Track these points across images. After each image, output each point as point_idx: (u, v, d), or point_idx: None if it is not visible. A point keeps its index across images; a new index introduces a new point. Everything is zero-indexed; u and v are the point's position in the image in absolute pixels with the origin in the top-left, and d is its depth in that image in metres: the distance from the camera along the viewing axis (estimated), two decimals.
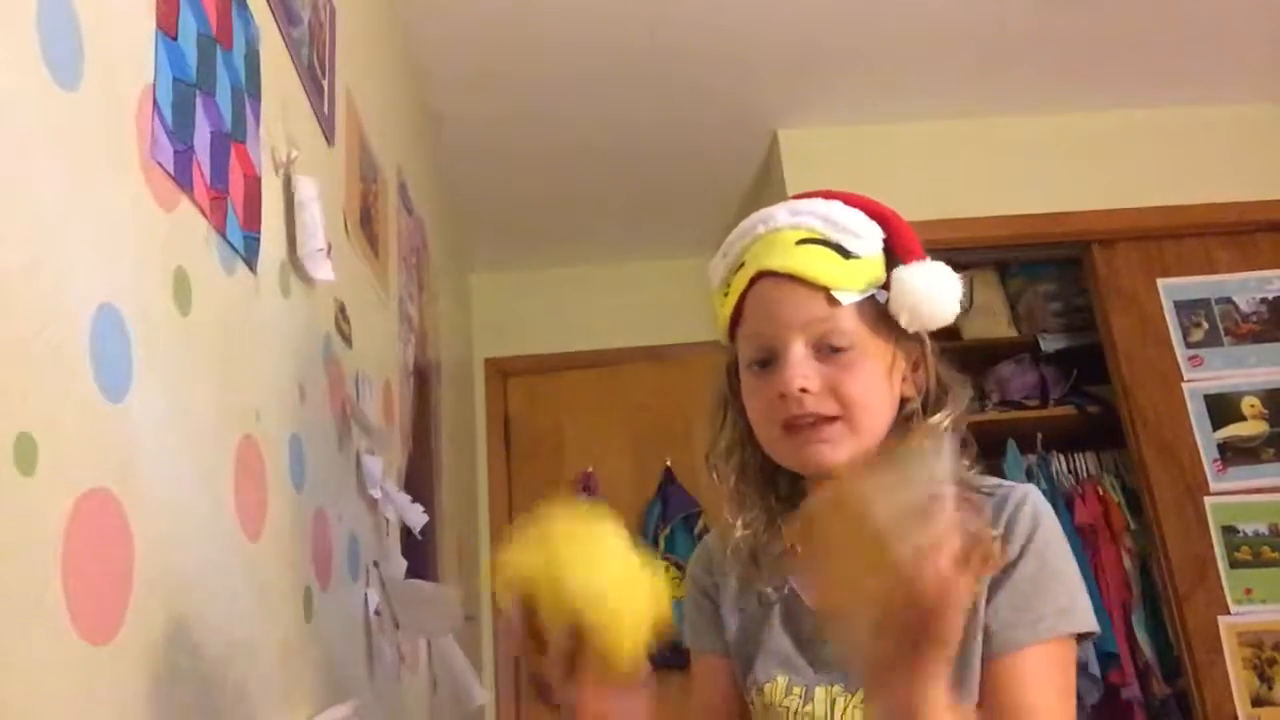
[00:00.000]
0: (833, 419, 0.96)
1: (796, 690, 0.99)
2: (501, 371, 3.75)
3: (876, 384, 0.98)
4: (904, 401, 1.01)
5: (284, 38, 1.31)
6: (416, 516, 1.72)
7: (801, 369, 0.96)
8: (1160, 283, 2.90)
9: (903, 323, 0.99)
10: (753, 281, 1.01)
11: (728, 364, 1.10)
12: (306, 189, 1.26)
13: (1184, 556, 2.64)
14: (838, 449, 0.96)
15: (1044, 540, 0.92)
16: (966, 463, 0.98)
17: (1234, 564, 2.65)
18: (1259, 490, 2.72)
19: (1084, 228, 2.92)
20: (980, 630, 0.90)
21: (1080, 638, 0.92)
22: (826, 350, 0.97)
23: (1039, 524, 0.92)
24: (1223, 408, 2.79)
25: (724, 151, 3.15)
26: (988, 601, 0.90)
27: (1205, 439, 2.75)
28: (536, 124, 2.92)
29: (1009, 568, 0.90)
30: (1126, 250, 2.92)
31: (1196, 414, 2.77)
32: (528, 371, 3.75)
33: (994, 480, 0.99)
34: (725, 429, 1.11)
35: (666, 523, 3.48)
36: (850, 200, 1.03)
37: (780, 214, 1.02)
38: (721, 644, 1.09)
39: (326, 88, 1.53)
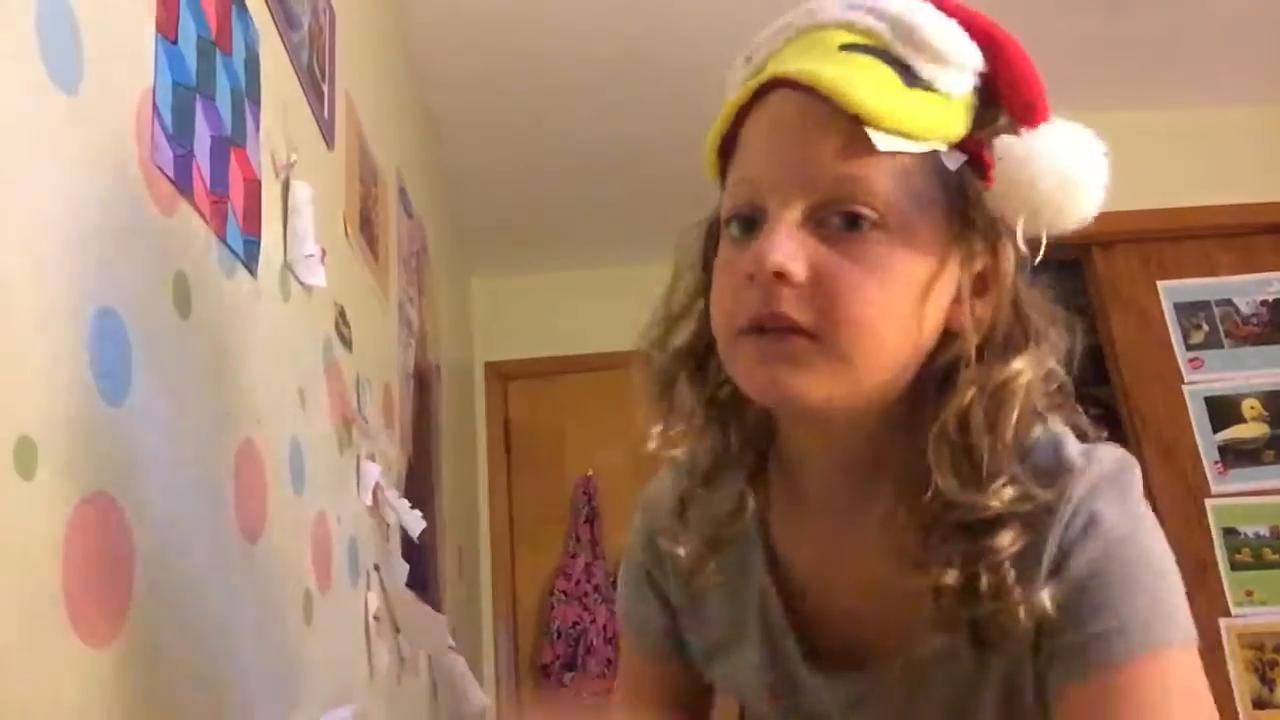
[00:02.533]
0: (803, 334, 0.62)
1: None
2: (502, 375, 3.75)
3: (903, 294, 0.62)
4: (949, 336, 0.66)
5: (284, 41, 1.31)
6: (415, 522, 1.72)
7: (785, 242, 0.62)
8: (1160, 285, 2.90)
9: (1011, 221, 0.64)
10: (760, 94, 0.66)
11: (708, 218, 0.79)
12: (300, 194, 1.26)
13: (1185, 558, 2.59)
14: (806, 376, 0.62)
15: (1111, 547, 0.65)
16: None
17: (1235, 566, 2.65)
18: (1260, 492, 2.72)
19: (1084, 230, 2.90)
20: (1041, 663, 0.65)
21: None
22: (838, 223, 0.62)
23: (1100, 528, 0.65)
24: (1223, 410, 2.79)
25: None
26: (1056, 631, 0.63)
27: (1206, 441, 2.75)
28: (537, 128, 2.92)
29: (1071, 590, 0.63)
30: (1126, 252, 2.92)
31: (1197, 416, 2.78)
32: (528, 375, 3.75)
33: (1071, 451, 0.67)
34: (690, 312, 0.76)
35: None
36: (947, 5, 0.66)
37: (832, 4, 0.68)
38: (673, 650, 0.82)
39: (326, 91, 1.53)
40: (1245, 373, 2.83)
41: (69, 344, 0.71)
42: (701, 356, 0.73)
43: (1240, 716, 2.53)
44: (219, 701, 0.92)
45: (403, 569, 1.69)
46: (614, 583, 3.44)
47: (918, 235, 0.62)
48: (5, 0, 0.66)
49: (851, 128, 0.61)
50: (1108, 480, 0.67)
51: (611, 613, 3.38)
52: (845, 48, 0.64)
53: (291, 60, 1.34)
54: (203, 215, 0.97)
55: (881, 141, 0.60)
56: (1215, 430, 2.77)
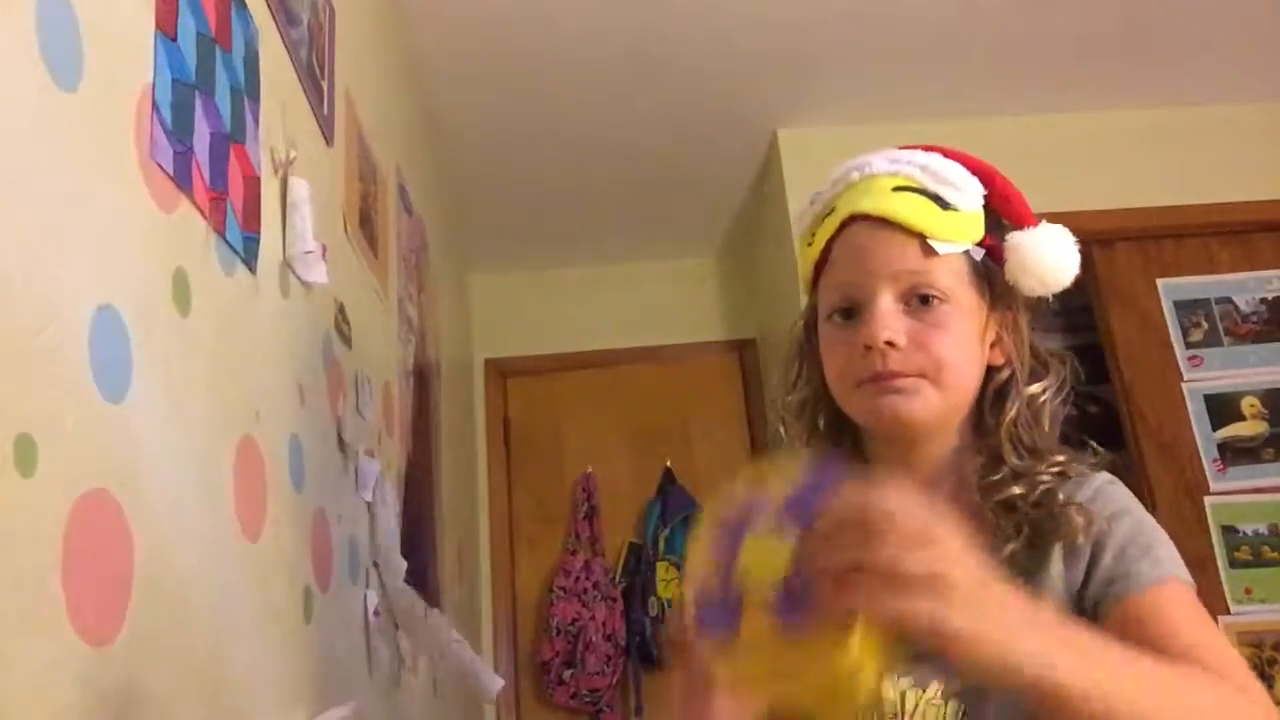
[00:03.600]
0: (915, 375, 0.91)
1: None
2: (501, 372, 3.74)
3: (966, 343, 0.93)
4: (992, 370, 0.96)
5: (283, 38, 1.31)
6: (390, 523, 1.67)
7: (889, 321, 0.90)
8: (1160, 283, 2.90)
9: (1023, 286, 0.95)
10: (843, 226, 0.96)
11: (805, 315, 1.04)
12: (299, 191, 1.26)
13: (1184, 556, 2.62)
14: (916, 401, 0.90)
15: (1138, 508, 0.90)
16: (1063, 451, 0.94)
17: (1234, 564, 2.65)
18: (1259, 490, 2.72)
19: (1083, 228, 2.87)
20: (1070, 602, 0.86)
21: None
22: (916, 303, 0.92)
23: (1127, 501, 0.90)
24: (1222, 408, 2.79)
25: (724, 152, 3.15)
26: (1090, 567, 0.87)
27: (1205, 439, 2.75)
28: (536, 124, 2.92)
29: (1104, 534, 0.87)
30: (1126, 250, 2.92)
31: (1196, 414, 2.77)
32: (527, 372, 3.75)
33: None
34: (799, 384, 1.04)
35: (666, 523, 3.48)
36: (950, 154, 0.98)
37: (877, 161, 0.98)
38: None
39: (326, 88, 1.53)
40: (1245, 370, 2.83)
41: (68, 341, 0.71)
42: (814, 416, 1.02)
43: None
44: (218, 700, 0.92)
45: (401, 566, 1.69)
46: (613, 579, 3.44)
47: (967, 305, 0.93)
48: None
49: (915, 241, 0.92)
50: (1106, 480, 0.93)
51: (610, 610, 3.38)
52: (897, 189, 0.94)
53: (291, 57, 1.34)
54: (202, 212, 0.97)
55: (938, 248, 0.92)
56: (1214, 428, 2.77)
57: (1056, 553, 0.88)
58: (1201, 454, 2.74)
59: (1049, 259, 0.95)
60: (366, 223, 1.77)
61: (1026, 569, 0.88)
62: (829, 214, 0.98)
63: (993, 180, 0.98)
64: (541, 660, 3.38)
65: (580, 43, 2.57)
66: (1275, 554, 2.66)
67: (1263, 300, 2.90)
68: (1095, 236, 2.91)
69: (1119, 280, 2.90)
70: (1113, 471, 0.94)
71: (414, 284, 2.31)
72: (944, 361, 0.91)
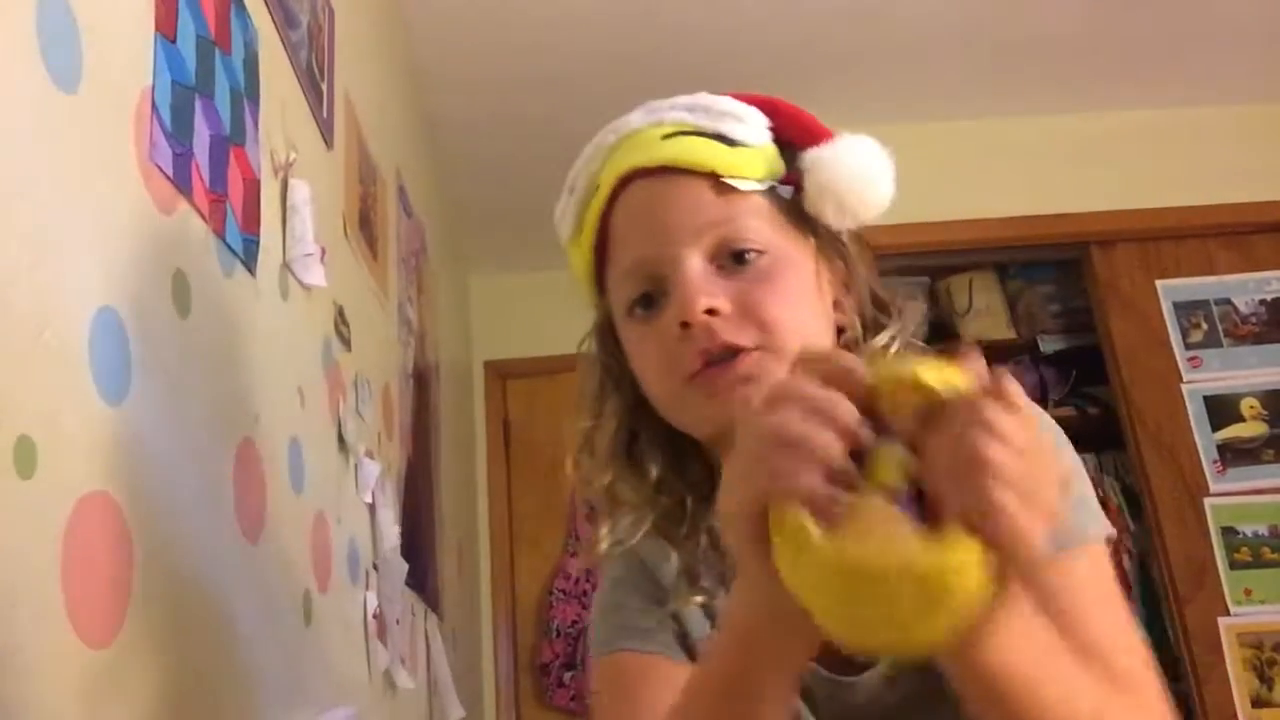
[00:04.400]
0: (751, 350, 0.71)
1: None
2: (501, 374, 3.74)
3: (802, 299, 0.75)
4: (839, 331, 0.79)
5: (283, 41, 1.31)
6: (390, 533, 1.66)
7: (703, 285, 0.72)
8: (1159, 284, 2.90)
9: (827, 215, 0.77)
10: (613, 198, 0.78)
11: (596, 326, 0.88)
12: (299, 193, 1.26)
13: (1184, 558, 2.64)
14: (756, 382, 0.69)
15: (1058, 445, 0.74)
16: None
17: (1234, 565, 2.65)
18: (1259, 491, 2.72)
19: (1083, 229, 2.92)
20: None
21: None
22: (730, 262, 0.74)
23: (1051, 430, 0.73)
24: (1222, 409, 2.79)
25: None
26: None
27: (1205, 440, 2.75)
28: (536, 126, 2.92)
29: None
30: (1126, 251, 2.92)
31: (1196, 415, 2.77)
32: (527, 374, 3.74)
33: None
34: (605, 413, 0.84)
35: None
36: (727, 93, 0.84)
37: (634, 116, 0.84)
38: (679, 650, 0.81)
39: (325, 91, 1.53)
40: (1244, 372, 2.83)
41: (68, 343, 0.71)
42: (628, 447, 0.82)
43: (1239, 715, 2.53)
44: (218, 701, 0.92)
45: (402, 568, 1.69)
46: None
47: (791, 254, 0.76)
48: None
49: (708, 185, 0.75)
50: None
51: None
52: (667, 137, 0.79)
53: (290, 59, 1.34)
54: (202, 214, 0.97)
55: (739, 185, 0.75)
56: (1214, 429, 2.77)
57: None
58: (1201, 455, 2.74)
59: (845, 174, 0.76)
60: (366, 225, 1.77)
61: None
62: (593, 194, 0.81)
63: (776, 107, 0.83)
64: (541, 662, 3.38)
65: (580, 44, 2.57)
66: (1275, 555, 2.66)
67: (1262, 301, 2.90)
68: (1095, 237, 2.92)
69: (1118, 281, 2.90)
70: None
71: (413, 286, 2.31)
72: (780, 324, 0.72)
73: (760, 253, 0.75)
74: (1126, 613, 0.72)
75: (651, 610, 0.80)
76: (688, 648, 0.80)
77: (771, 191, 0.77)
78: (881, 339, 0.78)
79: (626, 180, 0.78)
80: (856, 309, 0.79)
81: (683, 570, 0.80)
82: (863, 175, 0.77)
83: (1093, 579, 0.71)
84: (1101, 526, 0.73)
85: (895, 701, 0.76)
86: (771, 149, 0.80)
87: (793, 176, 0.78)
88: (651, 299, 0.76)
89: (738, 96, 0.83)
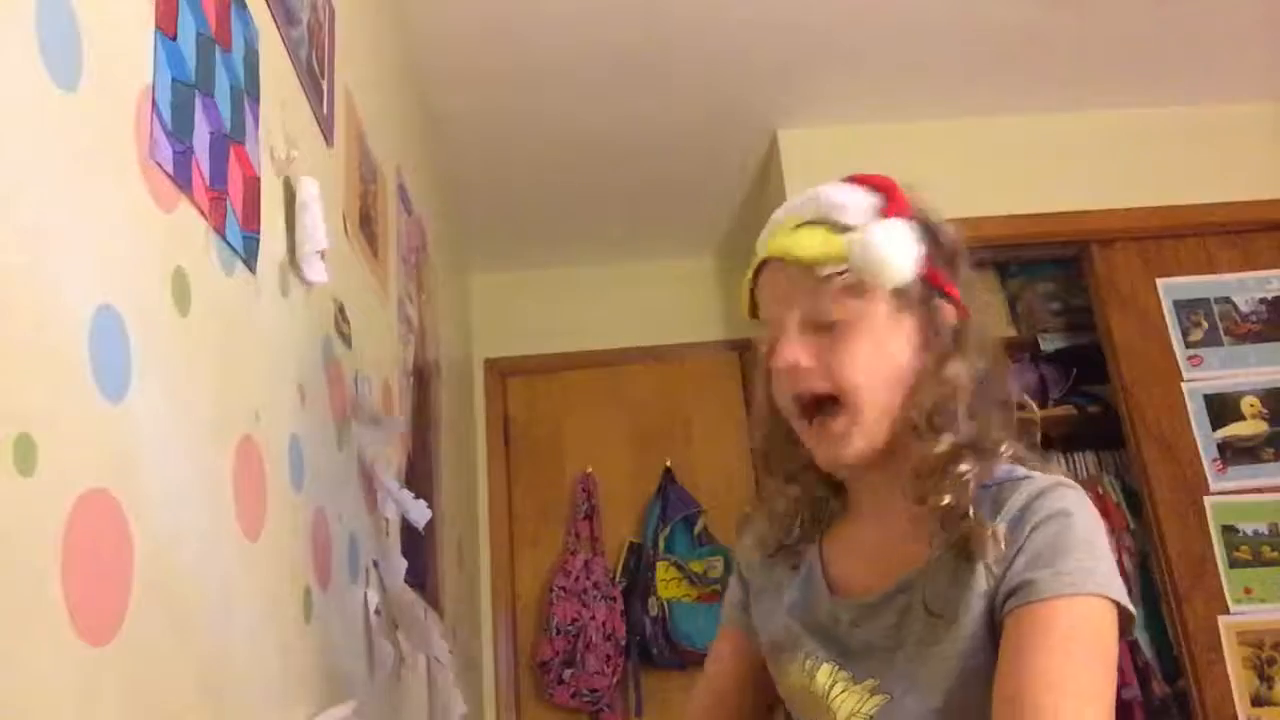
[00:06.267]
0: (833, 401, 0.97)
1: (807, 664, 1.01)
2: (501, 372, 3.75)
3: (876, 357, 0.97)
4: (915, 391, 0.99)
5: (283, 38, 1.31)
6: (420, 512, 1.70)
7: (791, 345, 0.97)
8: (1159, 282, 2.90)
9: (869, 286, 0.97)
10: (757, 274, 1.05)
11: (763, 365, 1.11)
12: (308, 190, 1.26)
13: (1183, 556, 2.64)
14: (845, 447, 0.97)
15: (1081, 514, 0.90)
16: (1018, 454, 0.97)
17: (1234, 563, 2.65)
18: (1259, 490, 2.72)
19: (1083, 227, 2.92)
20: (974, 611, 0.89)
21: (1120, 620, 0.87)
22: (816, 327, 0.98)
23: (1065, 505, 0.90)
24: (1222, 407, 2.79)
25: (724, 151, 3.15)
26: (1004, 573, 0.88)
27: (1205, 439, 2.75)
28: (536, 124, 2.92)
29: (1024, 540, 0.88)
30: (1126, 250, 2.92)
31: (1196, 413, 2.77)
32: (527, 372, 3.75)
33: (1031, 474, 0.96)
34: (766, 425, 1.11)
35: (666, 523, 3.48)
36: (855, 178, 1.04)
37: (789, 203, 1.06)
38: (744, 620, 1.14)
39: (325, 88, 1.53)
40: (1244, 370, 2.83)
41: (68, 341, 0.71)
42: (779, 447, 1.10)
43: (1239, 714, 2.53)
44: (218, 699, 0.92)
45: (401, 565, 1.69)
46: (613, 579, 3.44)
47: (875, 318, 0.97)
48: None
49: (809, 270, 0.98)
50: (1049, 486, 0.93)
51: (610, 609, 3.38)
52: (797, 227, 1.01)
53: (291, 57, 1.34)
54: (202, 212, 0.97)
55: (824, 270, 0.97)
56: (1214, 428, 2.77)
57: (981, 567, 0.90)
58: (1201, 454, 2.74)
59: (868, 249, 0.95)
60: (366, 222, 1.77)
61: (954, 579, 0.91)
62: (751, 266, 1.06)
63: (888, 190, 1.01)
64: (541, 660, 3.38)
65: (581, 43, 2.57)
66: (1275, 554, 2.66)
67: (1262, 300, 2.90)
68: (1095, 236, 2.92)
69: (1119, 280, 2.90)
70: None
71: (414, 284, 2.31)
72: (846, 378, 0.96)
73: (838, 322, 0.97)
74: (1068, 672, 0.81)
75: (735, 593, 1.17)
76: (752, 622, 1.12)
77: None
78: (950, 371, 0.96)
79: (765, 264, 1.04)
80: (932, 345, 0.98)
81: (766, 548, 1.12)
82: (877, 258, 0.95)
83: (1033, 632, 0.84)
84: (1072, 588, 0.85)
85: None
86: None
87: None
88: (773, 350, 1.01)
89: (867, 179, 1.03)
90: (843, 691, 0.97)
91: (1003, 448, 0.96)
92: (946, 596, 0.92)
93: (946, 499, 0.92)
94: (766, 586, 1.12)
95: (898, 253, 0.96)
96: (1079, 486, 0.94)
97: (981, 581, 0.90)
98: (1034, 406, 1.03)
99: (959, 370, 0.97)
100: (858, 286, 0.97)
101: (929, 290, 0.99)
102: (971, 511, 0.91)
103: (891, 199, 1.00)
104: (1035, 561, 0.87)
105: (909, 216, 0.99)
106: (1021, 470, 0.96)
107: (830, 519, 1.10)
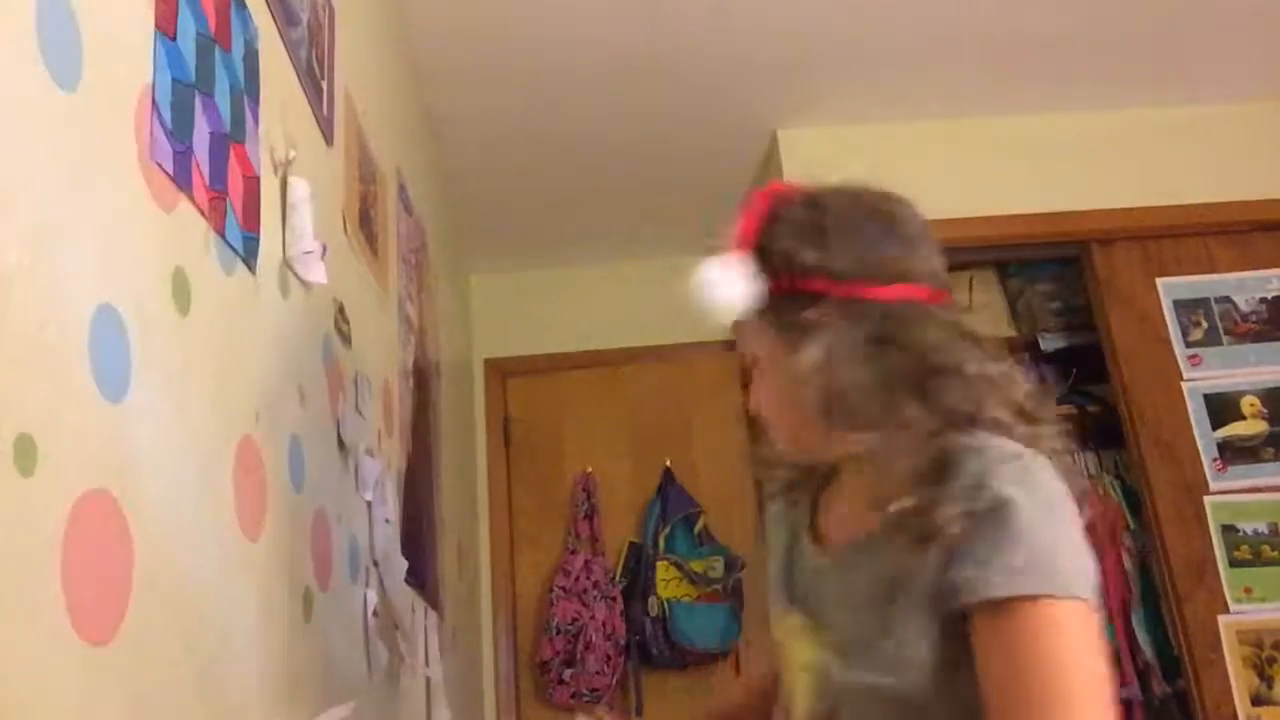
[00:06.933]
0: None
1: (781, 612, 1.07)
2: (501, 372, 3.74)
3: (770, 387, 1.02)
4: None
5: (283, 38, 1.31)
6: (386, 532, 1.67)
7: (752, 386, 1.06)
8: (1159, 282, 2.90)
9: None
10: None
11: None
12: (298, 191, 1.26)
13: (1184, 556, 2.64)
14: (786, 450, 1.07)
15: (1025, 497, 0.86)
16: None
17: (1234, 563, 2.65)
18: (1259, 489, 2.72)
19: (1083, 227, 2.92)
20: (925, 584, 0.89)
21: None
22: (755, 364, 1.04)
23: (1016, 485, 0.86)
24: (1222, 407, 2.79)
25: (724, 151, 3.15)
26: (949, 561, 0.87)
27: (1205, 438, 2.75)
28: (536, 124, 2.92)
29: (967, 532, 0.86)
30: (1126, 249, 2.92)
31: (1196, 413, 2.77)
32: (527, 372, 3.75)
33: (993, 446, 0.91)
34: None
35: (666, 523, 3.48)
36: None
37: None
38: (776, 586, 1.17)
39: (325, 88, 1.53)
40: (1244, 370, 2.83)
41: (68, 341, 0.71)
42: None
43: (1239, 713, 2.53)
44: (218, 699, 0.92)
45: (402, 565, 1.69)
46: (613, 579, 3.44)
47: (775, 354, 1.01)
48: None
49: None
50: (993, 466, 0.88)
51: (610, 609, 3.38)
52: None
53: (291, 57, 1.34)
54: (202, 212, 0.97)
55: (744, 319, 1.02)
56: (1214, 427, 2.77)
57: (933, 553, 0.88)
58: (1201, 453, 2.74)
59: (702, 301, 1.01)
60: (366, 222, 1.77)
61: (899, 554, 0.91)
62: None
63: (741, 215, 1.03)
64: (541, 660, 3.38)
65: (580, 43, 2.57)
66: (1275, 553, 2.66)
67: (1262, 300, 2.90)
68: (1095, 236, 2.92)
69: (1118, 280, 2.90)
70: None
71: (413, 284, 2.31)
72: (754, 412, 1.04)
73: (757, 364, 1.03)
74: (1060, 683, 0.81)
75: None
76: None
77: (757, 309, 1.00)
78: (809, 359, 0.97)
79: None
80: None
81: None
82: (705, 304, 1.00)
83: (994, 641, 0.84)
84: (1019, 590, 0.83)
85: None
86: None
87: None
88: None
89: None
90: (800, 641, 1.02)
91: (968, 417, 0.92)
92: (890, 568, 0.92)
93: (883, 489, 0.93)
94: (778, 541, 1.16)
95: (716, 294, 0.99)
96: (1036, 456, 0.90)
97: (925, 563, 0.89)
98: (1014, 367, 0.99)
99: (843, 370, 0.95)
100: (760, 325, 1.01)
101: (794, 301, 0.98)
102: (914, 494, 0.90)
103: (737, 225, 1.02)
104: (980, 559, 0.85)
105: (749, 237, 1.00)
106: (978, 440, 0.91)
107: (833, 472, 1.11)
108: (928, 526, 0.88)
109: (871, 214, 1.01)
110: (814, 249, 0.98)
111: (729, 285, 0.98)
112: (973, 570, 0.85)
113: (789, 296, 0.98)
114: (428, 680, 1.97)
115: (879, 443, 0.94)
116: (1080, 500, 0.92)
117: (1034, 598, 0.83)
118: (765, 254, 0.99)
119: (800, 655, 1.02)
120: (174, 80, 0.91)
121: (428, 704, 1.98)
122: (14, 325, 0.64)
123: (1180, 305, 2.88)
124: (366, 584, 1.53)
